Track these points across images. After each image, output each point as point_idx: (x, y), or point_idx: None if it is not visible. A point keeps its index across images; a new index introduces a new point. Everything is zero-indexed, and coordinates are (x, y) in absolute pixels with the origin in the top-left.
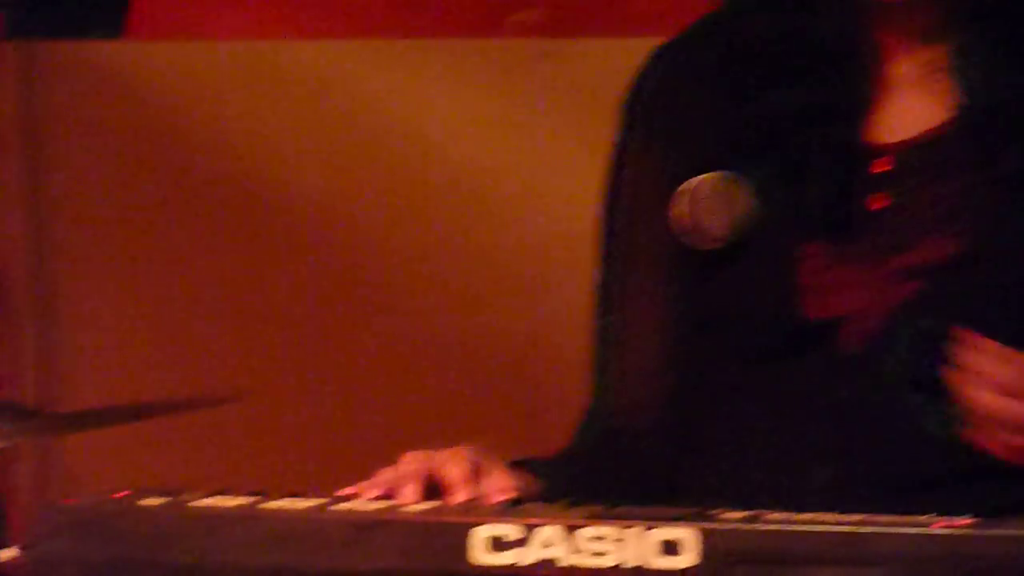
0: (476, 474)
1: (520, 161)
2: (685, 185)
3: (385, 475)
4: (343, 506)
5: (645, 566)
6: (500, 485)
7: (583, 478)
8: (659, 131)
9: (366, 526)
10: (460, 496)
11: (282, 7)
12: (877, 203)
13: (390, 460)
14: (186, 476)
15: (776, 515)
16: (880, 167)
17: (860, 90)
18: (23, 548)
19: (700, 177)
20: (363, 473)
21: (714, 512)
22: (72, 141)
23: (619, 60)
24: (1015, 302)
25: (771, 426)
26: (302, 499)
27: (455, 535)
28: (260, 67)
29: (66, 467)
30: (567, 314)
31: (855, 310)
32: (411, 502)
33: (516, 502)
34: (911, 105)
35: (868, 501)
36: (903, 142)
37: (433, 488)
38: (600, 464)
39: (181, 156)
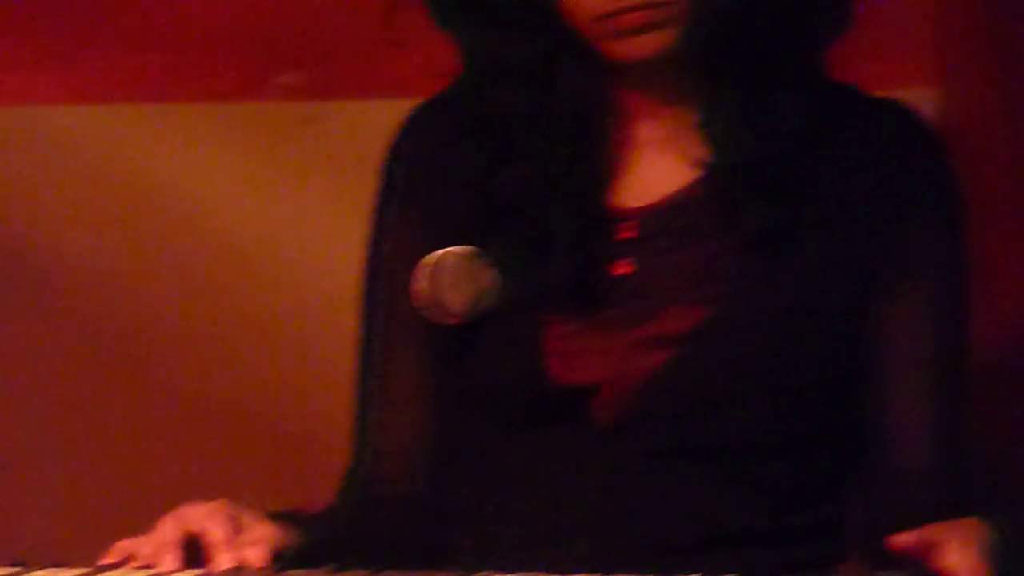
0: (236, 530)
1: (286, 224)
2: (426, 260)
3: (145, 542)
4: (111, 574)
5: None
6: (258, 537)
7: (345, 537)
8: (412, 197)
9: None
10: (222, 557)
11: (43, 72)
12: (622, 270)
13: (154, 520)
14: None
15: None
16: (625, 233)
17: (603, 155)
18: None
19: (440, 252)
20: (129, 536)
21: None
22: None
23: (382, 121)
24: (763, 368)
25: (529, 494)
26: (65, 569)
27: None
28: (21, 132)
29: None
30: (332, 376)
31: (604, 378)
32: (174, 568)
33: (280, 562)
34: (657, 168)
35: (626, 569)
36: (648, 206)
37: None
38: (361, 525)
39: None
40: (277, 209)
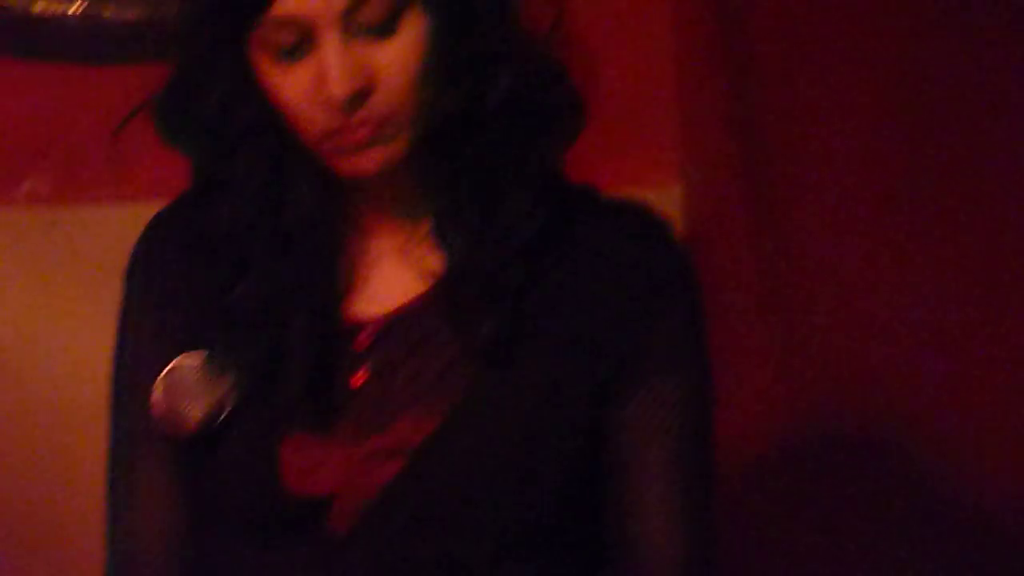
0: None
1: (36, 328)
2: (163, 374)
3: None
4: None
5: None
6: None
7: None
8: (150, 308)
9: None
10: None
11: None
12: (357, 380)
13: None
14: None
15: None
16: (360, 343)
17: (337, 269)
18: None
19: (175, 361)
20: None
21: None
22: None
23: (127, 226)
24: (494, 479)
25: None
26: None
27: None
28: None
29: None
30: (87, 478)
31: (339, 489)
32: None
33: None
34: (392, 279)
35: None
36: (382, 316)
37: None
38: None
39: None
40: (28, 313)
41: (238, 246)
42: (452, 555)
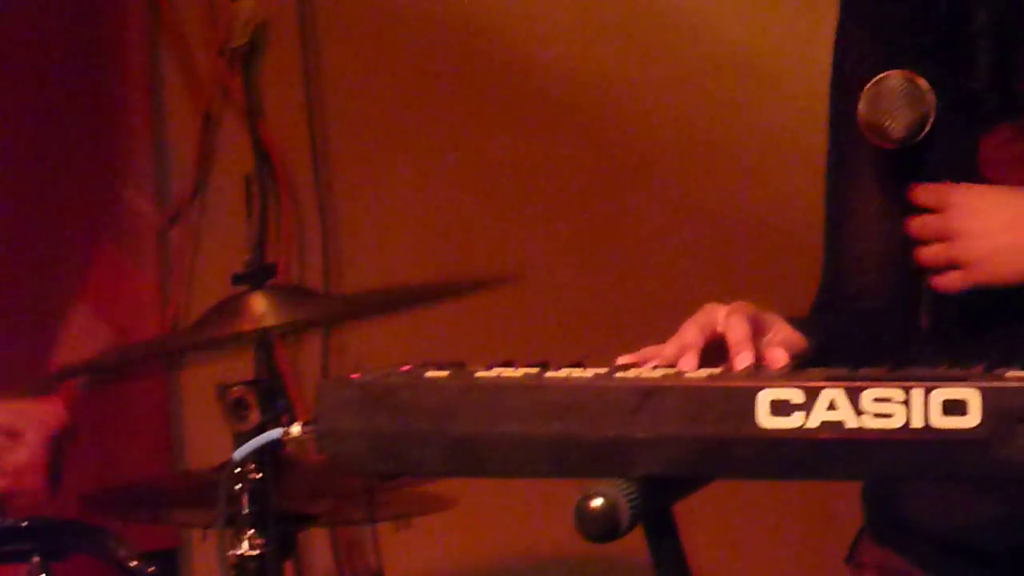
0: (758, 331)
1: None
2: (867, 86)
3: (669, 344)
4: (627, 373)
5: (929, 427)
6: (781, 337)
7: (826, 347)
8: (865, 15)
9: (651, 392)
10: (744, 356)
11: None
12: None
13: (672, 325)
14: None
15: None
16: None
17: None
18: (308, 423)
19: (880, 76)
20: (646, 342)
21: (997, 371)
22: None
23: None
24: None
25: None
26: (586, 369)
27: (741, 400)
28: None
29: (341, 349)
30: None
31: None
32: (693, 368)
33: (796, 366)
34: None
35: None
36: None
37: (716, 346)
38: (838, 338)
39: (452, 41)
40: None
41: None
42: None
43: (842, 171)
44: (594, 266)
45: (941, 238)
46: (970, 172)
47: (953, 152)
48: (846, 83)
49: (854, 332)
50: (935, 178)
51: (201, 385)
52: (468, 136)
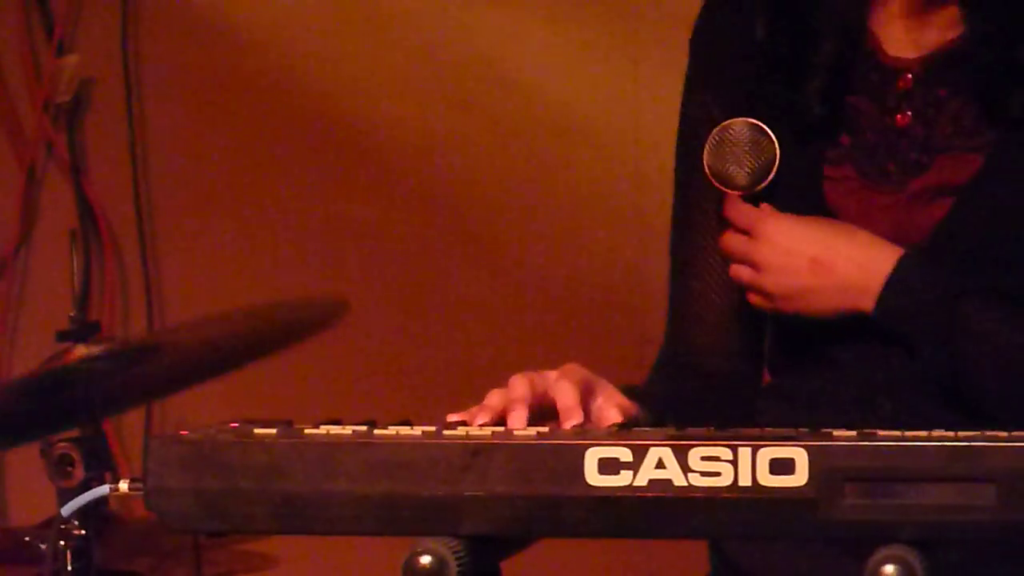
0: (588, 394)
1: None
2: (712, 133)
3: (493, 399)
4: (455, 431)
5: (758, 485)
6: (613, 400)
7: (662, 410)
8: (706, 68)
9: (479, 450)
10: (573, 417)
11: None
12: (903, 120)
13: (495, 384)
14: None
15: (886, 433)
16: (902, 83)
17: (868, 9)
18: (136, 480)
19: (722, 124)
20: (469, 401)
21: (824, 431)
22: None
23: None
24: None
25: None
26: (413, 427)
27: (570, 458)
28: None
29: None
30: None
31: (889, 233)
32: (522, 426)
33: (624, 425)
34: (925, 24)
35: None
36: (925, 56)
37: (544, 410)
38: (679, 399)
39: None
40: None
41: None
42: (999, 291)
43: (687, 224)
44: (418, 327)
45: (749, 264)
46: (817, 205)
47: (799, 186)
48: (690, 137)
49: (697, 392)
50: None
51: None
52: (292, 194)
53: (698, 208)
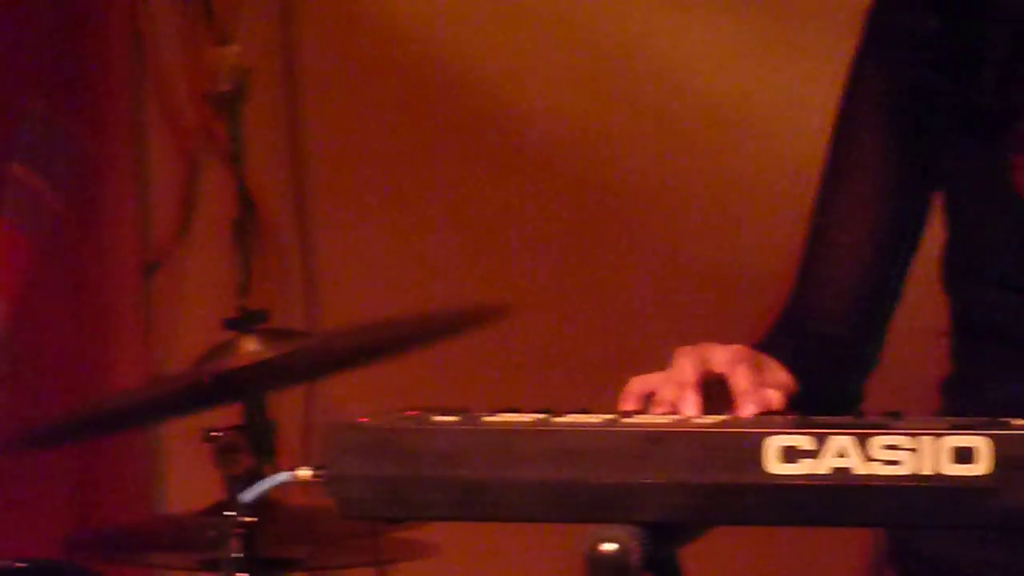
0: (757, 373)
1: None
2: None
3: (663, 380)
4: (634, 420)
5: (939, 474)
6: (780, 381)
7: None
8: (877, 48)
9: (659, 438)
10: (749, 402)
11: None
12: None
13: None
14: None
15: None
16: None
17: None
18: (317, 467)
19: None
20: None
21: (1004, 420)
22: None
23: None
24: None
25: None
26: (590, 415)
27: (748, 446)
28: None
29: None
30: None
31: None
32: (696, 408)
33: (800, 410)
34: None
35: None
36: None
37: (708, 386)
38: (795, 366)
39: (435, 88)
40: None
41: None
42: None
43: (833, 191)
44: (573, 314)
45: None
46: (1007, 194)
47: (986, 177)
48: (850, 111)
49: (814, 359)
50: (969, 204)
51: (182, 428)
52: (449, 181)
53: (848, 179)
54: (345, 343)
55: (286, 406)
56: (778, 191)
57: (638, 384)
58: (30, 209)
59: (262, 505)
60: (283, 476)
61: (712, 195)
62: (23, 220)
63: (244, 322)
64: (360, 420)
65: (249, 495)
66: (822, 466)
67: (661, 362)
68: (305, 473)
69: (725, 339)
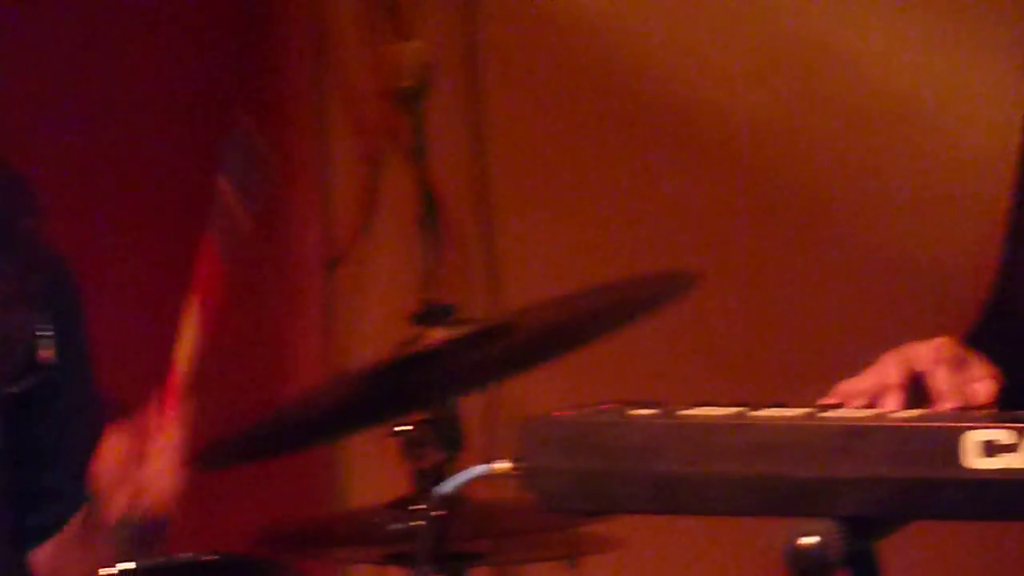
0: (959, 369)
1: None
2: None
3: (866, 381)
4: (831, 413)
5: None
6: (985, 373)
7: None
8: None
9: (857, 432)
10: (948, 402)
11: None
12: None
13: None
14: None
15: None
16: None
17: None
18: (516, 460)
19: None
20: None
21: None
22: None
23: None
24: None
25: None
26: (788, 408)
27: (946, 440)
28: None
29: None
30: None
31: None
32: (896, 408)
33: (1007, 405)
34: None
35: None
36: None
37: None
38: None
39: (615, 82)
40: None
41: None
42: None
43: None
44: (747, 307)
45: None
46: None
47: None
48: None
49: (1018, 348)
50: None
51: None
52: (629, 175)
53: None
54: (540, 318)
55: (468, 401)
56: (967, 185)
57: (844, 388)
58: (229, 226)
59: (453, 499)
60: (480, 469)
61: (891, 190)
62: (222, 236)
63: (431, 316)
64: (558, 414)
65: (445, 488)
66: (1022, 460)
67: (850, 355)
68: (503, 466)
69: (912, 334)
